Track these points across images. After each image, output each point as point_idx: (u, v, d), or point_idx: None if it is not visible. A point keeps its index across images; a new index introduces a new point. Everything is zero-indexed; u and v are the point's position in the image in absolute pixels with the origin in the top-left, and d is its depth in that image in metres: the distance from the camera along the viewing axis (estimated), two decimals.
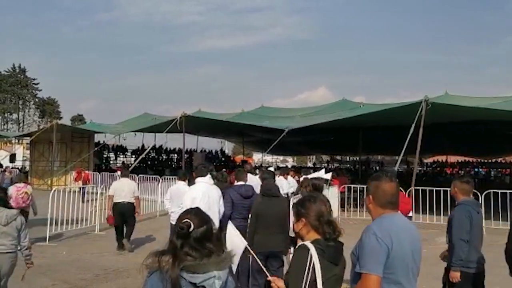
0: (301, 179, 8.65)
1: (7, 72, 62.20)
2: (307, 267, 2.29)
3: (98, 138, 26.47)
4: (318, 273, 2.28)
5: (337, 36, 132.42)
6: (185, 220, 2.09)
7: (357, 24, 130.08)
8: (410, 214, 5.08)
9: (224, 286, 2.07)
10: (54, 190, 10.24)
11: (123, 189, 8.92)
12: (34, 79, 64.30)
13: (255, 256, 4.31)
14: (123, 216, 8.85)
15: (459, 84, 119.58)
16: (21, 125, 63.03)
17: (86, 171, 17.58)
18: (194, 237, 2.05)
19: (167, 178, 16.26)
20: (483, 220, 4.31)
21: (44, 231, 9.45)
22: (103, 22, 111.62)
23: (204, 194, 5.83)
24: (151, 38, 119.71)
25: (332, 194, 12.43)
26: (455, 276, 4.11)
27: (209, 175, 6.22)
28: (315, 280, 2.28)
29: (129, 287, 6.50)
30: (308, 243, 2.39)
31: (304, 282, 2.27)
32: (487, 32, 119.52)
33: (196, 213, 2.17)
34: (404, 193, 4.36)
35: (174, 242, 2.06)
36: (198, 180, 6.13)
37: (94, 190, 11.84)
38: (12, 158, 29.51)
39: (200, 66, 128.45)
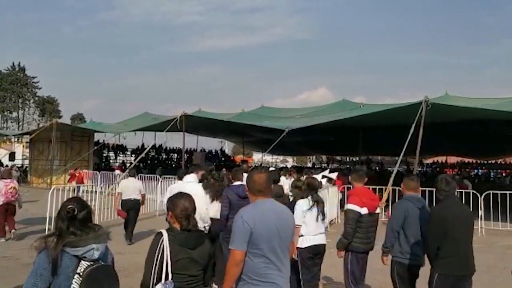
0: (303, 178, 8.63)
1: (6, 70, 62.17)
2: (158, 249, 2.91)
3: (98, 137, 26.47)
4: (167, 253, 2.89)
5: (337, 36, 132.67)
6: (70, 206, 2.56)
7: (357, 24, 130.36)
8: (378, 210, 5.15)
9: (102, 257, 2.60)
10: (53, 189, 10.22)
11: (129, 187, 9.86)
12: (33, 78, 64.28)
13: None
14: (129, 211, 9.77)
15: (459, 85, 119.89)
16: (20, 123, 63.00)
17: (81, 172, 17.49)
18: (79, 219, 2.56)
19: (167, 178, 16.27)
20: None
21: (43, 230, 9.43)
22: (103, 21, 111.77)
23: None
24: (152, 38, 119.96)
25: (333, 193, 12.43)
26: (383, 259, 4.78)
27: (193, 174, 6.30)
28: (165, 260, 2.88)
29: (126, 286, 6.48)
30: (163, 230, 3.00)
31: (155, 260, 2.89)
32: (487, 33, 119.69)
33: (77, 201, 2.70)
34: (372, 191, 4.48)
35: (60, 225, 2.54)
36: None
37: (93, 189, 11.82)
38: (12, 156, 29.49)
39: (200, 66, 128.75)
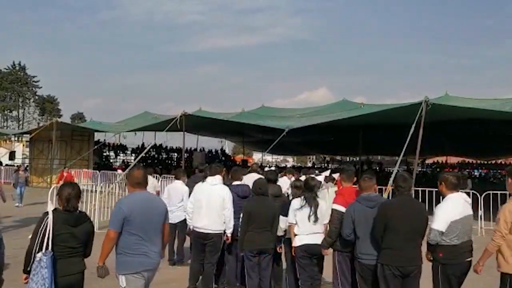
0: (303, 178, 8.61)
1: (7, 69, 62.22)
2: (42, 225, 3.62)
3: (98, 136, 26.46)
4: (49, 229, 3.59)
5: (338, 37, 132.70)
6: None
7: (358, 25, 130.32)
8: None
9: None
10: (53, 188, 10.23)
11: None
12: (34, 77, 64.33)
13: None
14: None
15: (459, 85, 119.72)
16: (21, 122, 63.03)
17: (70, 171, 17.25)
18: None
19: (165, 177, 16.30)
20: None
21: None
22: (104, 21, 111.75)
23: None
24: (152, 37, 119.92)
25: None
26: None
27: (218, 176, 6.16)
28: (47, 234, 3.58)
29: None
30: (50, 210, 3.71)
31: (39, 233, 3.60)
32: (488, 34, 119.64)
33: None
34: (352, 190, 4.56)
35: None
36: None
37: (93, 189, 11.83)
38: (12, 155, 29.51)
39: (201, 66, 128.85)
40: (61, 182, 15.46)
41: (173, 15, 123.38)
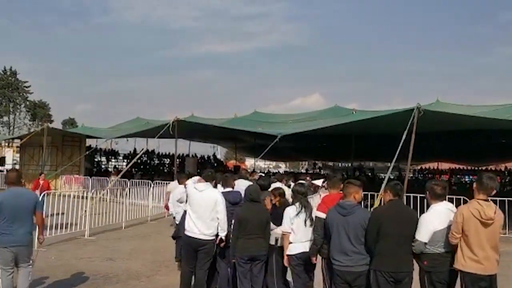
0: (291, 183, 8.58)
1: None
2: None
3: (89, 142, 26.30)
4: None
5: (331, 43, 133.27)
6: None
7: (351, 32, 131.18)
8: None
9: None
10: (44, 194, 10.14)
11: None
12: (25, 82, 63.82)
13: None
14: None
15: (449, 92, 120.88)
16: (11, 128, 62.45)
17: (45, 179, 15.03)
18: None
19: (159, 183, 16.21)
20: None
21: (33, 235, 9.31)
22: (97, 25, 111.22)
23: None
24: (146, 42, 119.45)
25: None
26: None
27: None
28: None
29: None
30: None
31: None
32: (479, 42, 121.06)
33: None
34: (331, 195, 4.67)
35: None
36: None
37: (85, 195, 11.74)
38: (2, 161, 29.21)
39: (195, 71, 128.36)
40: (36, 192, 12.59)
41: (167, 20, 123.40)
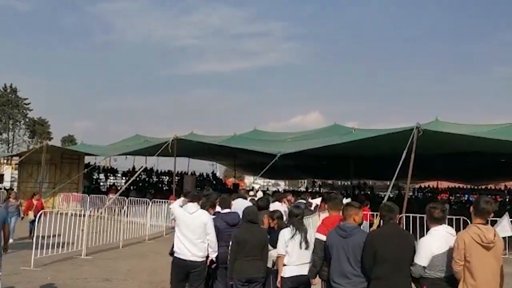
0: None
1: None
2: None
3: (88, 159, 26.25)
4: None
5: (331, 62, 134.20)
6: None
7: (350, 51, 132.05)
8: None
9: None
10: (41, 213, 10.07)
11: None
12: (25, 99, 64.07)
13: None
14: None
15: (448, 111, 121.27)
16: (10, 145, 62.43)
17: (40, 199, 14.29)
18: None
19: (157, 202, 16.11)
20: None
21: (29, 255, 9.21)
22: (99, 44, 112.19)
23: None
24: (146, 61, 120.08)
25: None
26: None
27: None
28: None
29: None
30: None
31: None
32: (477, 62, 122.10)
33: None
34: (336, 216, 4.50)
35: None
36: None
37: (83, 213, 11.65)
38: (0, 178, 29.11)
39: (195, 89, 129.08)
40: (30, 213, 13.20)
41: (168, 39, 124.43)
